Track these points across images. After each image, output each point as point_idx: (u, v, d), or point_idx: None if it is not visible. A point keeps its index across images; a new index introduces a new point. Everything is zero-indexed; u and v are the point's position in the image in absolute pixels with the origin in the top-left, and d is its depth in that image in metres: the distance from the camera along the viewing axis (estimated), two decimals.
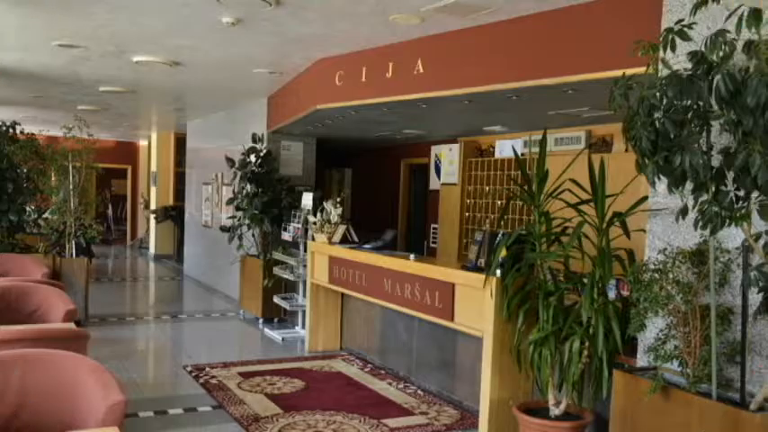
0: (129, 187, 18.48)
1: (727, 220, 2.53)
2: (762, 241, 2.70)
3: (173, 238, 15.13)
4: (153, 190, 15.73)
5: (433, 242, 10.29)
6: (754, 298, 2.77)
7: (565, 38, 4.53)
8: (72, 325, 4.63)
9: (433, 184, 10.27)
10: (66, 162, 8.28)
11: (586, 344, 3.72)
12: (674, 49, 2.67)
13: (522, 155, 7.66)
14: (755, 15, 2.41)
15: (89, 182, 8.81)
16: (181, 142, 14.20)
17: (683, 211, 2.72)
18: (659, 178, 2.72)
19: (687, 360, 3.01)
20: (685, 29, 2.67)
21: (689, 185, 2.67)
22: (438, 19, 5.04)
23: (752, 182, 2.39)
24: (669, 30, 2.72)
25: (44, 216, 8.58)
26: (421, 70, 5.64)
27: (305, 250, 7.37)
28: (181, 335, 8.15)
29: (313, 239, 6.95)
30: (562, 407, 3.89)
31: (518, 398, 4.32)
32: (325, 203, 6.88)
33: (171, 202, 15.19)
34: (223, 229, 9.30)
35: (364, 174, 12.60)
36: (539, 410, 3.96)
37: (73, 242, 8.20)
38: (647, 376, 3.12)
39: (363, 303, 6.55)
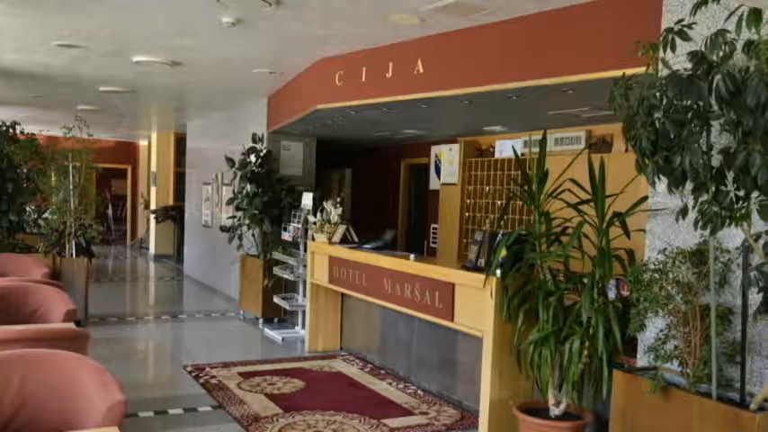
0: (129, 187, 18.48)
1: (727, 220, 2.53)
2: (762, 241, 2.69)
3: (173, 238, 15.13)
4: (153, 190, 15.73)
5: (433, 242, 10.29)
6: (754, 298, 2.77)
7: (565, 38, 4.53)
8: (72, 325, 4.63)
9: (433, 184, 10.27)
10: (67, 162, 8.28)
11: (586, 344, 3.71)
12: (674, 49, 2.67)
13: (522, 155, 7.66)
14: (755, 15, 2.41)
15: (89, 182, 8.81)
16: (181, 142, 14.20)
17: (683, 211, 2.72)
18: (659, 178, 2.71)
19: (687, 360, 3.01)
20: (685, 29, 2.67)
21: (689, 185, 2.67)
22: (438, 19, 5.04)
23: (752, 182, 2.39)
24: (669, 30, 2.72)
25: (44, 216, 8.58)
26: (421, 70, 5.64)
27: (305, 250, 7.37)
28: (181, 335, 8.14)
29: (313, 239, 6.95)
30: (562, 407, 3.89)
31: (518, 398, 4.32)
32: (325, 203, 6.88)
33: (171, 202, 15.19)
34: (223, 229, 9.30)
35: (364, 174, 12.60)
36: (539, 410, 3.96)
37: (73, 242, 8.20)
38: (647, 376, 3.12)
39: (363, 303, 6.55)
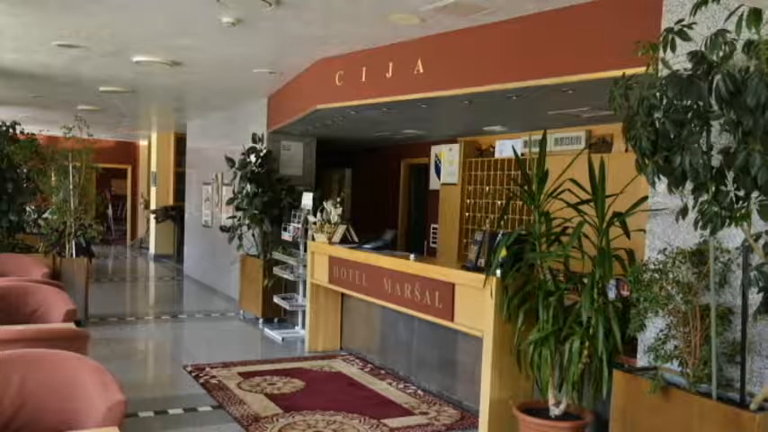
0: (129, 187, 18.48)
1: (727, 220, 2.53)
2: (762, 241, 2.70)
3: (173, 238, 15.13)
4: (153, 190, 15.73)
5: (433, 242, 10.29)
6: (754, 298, 2.77)
7: (565, 38, 4.53)
8: (72, 325, 4.63)
9: (433, 184, 10.27)
10: (67, 162, 8.28)
11: (586, 344, 3.71)
12: (674, 49, 2.67)
13: (522, 155, 7.65)
14: (755, 15, 2.41)
15: (89, 182, 8.81)
16: (181, 142, 14.20)
17: (683, 211, 2.72)
18: (659, 178, 2.71)
19: (687, 360, 3.01)
20: (685, 29, 2.67)
21: (689, 185, 2.67)
22: (438, 19, 5.04)
23: (752, 182, 2.39)
24: (669, 30, 2.72)
25: (44, 216, 8.58)
26: (421, 70, 5.64)
27: (305, 250, 7.38)
28: (181, 335, 8.14)
29: (313, 239, 6.95)
30: (562, 407, 3.89)
31: (518, 398, 4.32)
32: (325, 203, 6.88)
33: (171, 202, 15.19)
34: (223, 229, 9.30)
35: (364, 174, 12.61)
36: (539, 410, 3.96)
37: (73, 242, 8.20)
38: (647, 376, 3.12)
39: (363, 303, 6.55)
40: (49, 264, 7.46)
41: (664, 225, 3.37)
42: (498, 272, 4.28)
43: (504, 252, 4.21)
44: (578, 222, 3.79)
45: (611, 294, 4.13)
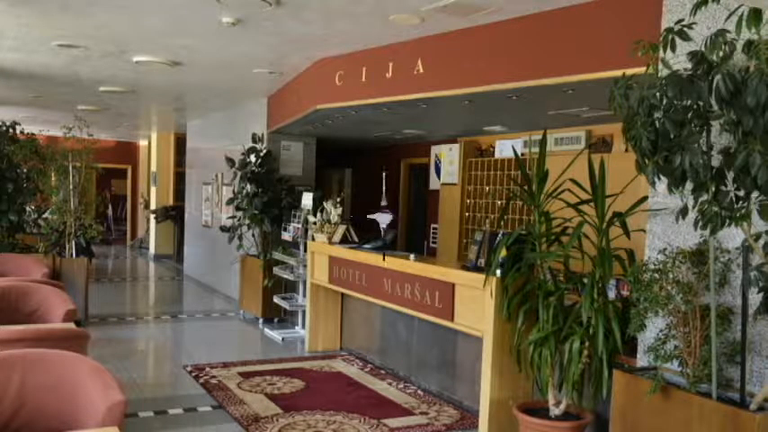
0: (129, 187, 18.48)
1: (727, 220, 2.53)
2: (762, 241, 2.70)
3: (173, 238, 15.13)
4: (153, 190, 15.73)
5: (433, 242, 10.29)
6: (754, 298, 2.77)
7: (565, 38, 4.53)
8: (72, 325, 4.63)
9: (433, 184, 10.27)
10: (67, 162, 8.28)
11: (586, 344, 3.72)
12: (674, 49, 2.67)
13: (522, 155, 7.66)
14: (755, 15, 2.41)
15: (89, 182, 8.81)
16: (181, 142, 14.20)
17: (683, 211, 2.72)
18: (659, 178, 2.72)
19: (687, 360, 3.01)
20: (685, 29, 2.67)
21: (689, 185, 2.67)
22: (438, 19, 5.04)
23: (752, 182, 2.39)
24: (669, 30, 2.72)
25: (44, 216, 8.58)
26: (421, 70, 5.64)
27: (305, 250, 7.38)
28: (181, 335, 8.14)
29: (313, 239, 6.95)
30: (562, 407, 3.89)
31: (518, 398, 4.33)
32: (325, 203, 6.89)
33: (171, 202, 15.19)
34: (223, 229, 9.30)
35: (364, 174, 12.60)
36: (539, 410, 3.96)
37: (73, 242, 8.21)
38: (647, 376, 3.12)
39: (363, 303, 6.55)
40: (49, 264, 7.45)
41: (664, 225, 3.38)
42: (498, 272, 4.28)
43: (504, 252, 4.22)
44: (578, 222, 3.79)
45: (611, 294, 4.13)
